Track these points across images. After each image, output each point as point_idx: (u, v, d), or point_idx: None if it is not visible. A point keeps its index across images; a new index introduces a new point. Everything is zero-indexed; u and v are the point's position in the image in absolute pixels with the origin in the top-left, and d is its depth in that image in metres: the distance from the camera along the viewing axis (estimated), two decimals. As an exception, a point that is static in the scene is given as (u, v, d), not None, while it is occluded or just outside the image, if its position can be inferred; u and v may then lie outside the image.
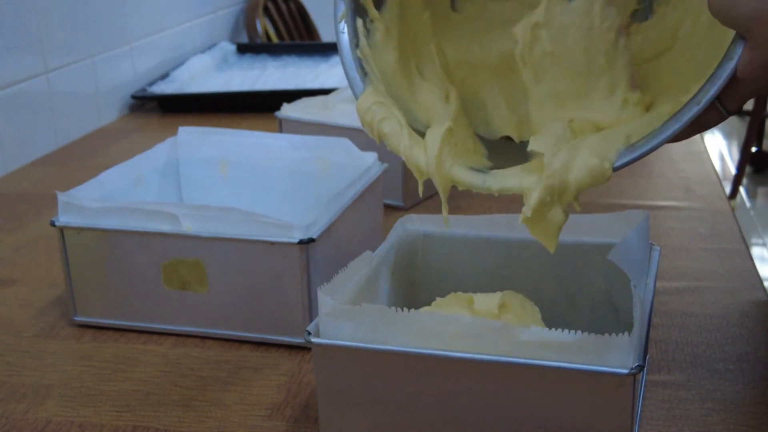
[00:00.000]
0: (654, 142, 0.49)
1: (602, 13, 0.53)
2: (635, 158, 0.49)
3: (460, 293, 0.61)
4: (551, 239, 0.53)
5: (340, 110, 1.03)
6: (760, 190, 3.40)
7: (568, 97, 0.53)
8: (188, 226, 0.69)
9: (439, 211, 0.94)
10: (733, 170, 3.28)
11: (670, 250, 0.85)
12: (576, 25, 0.53)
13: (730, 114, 0.51)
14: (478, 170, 0.55)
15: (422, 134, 0.57)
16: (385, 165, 0.83)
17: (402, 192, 0.98)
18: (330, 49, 1.86)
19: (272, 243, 0.67)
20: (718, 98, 0.49)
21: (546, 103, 0.54)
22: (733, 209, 0.96)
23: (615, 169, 0.49)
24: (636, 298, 0.52)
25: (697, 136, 0.85)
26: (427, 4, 0.60)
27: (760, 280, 0.79)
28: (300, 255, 0.67)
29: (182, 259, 0.70)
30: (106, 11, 1.48)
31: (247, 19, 2.16)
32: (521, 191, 0.54)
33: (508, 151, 0.58)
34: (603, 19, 0.53)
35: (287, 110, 1.07)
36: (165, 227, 0.70)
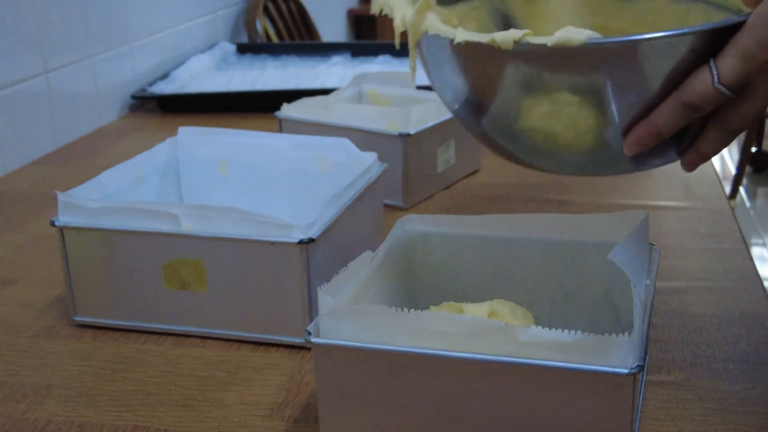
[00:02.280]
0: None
1: None
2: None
3: (452, 302, 0.62)
4: None
5: (340, 110, 1.03)
6: (760, 190, 3.40)
7: None
8: (188, 226, 0.69)
9: (439, 211, 0.95)
10: (733, 170, 3.28)
11: (670, 250, 0.85)
12: None
13: (722, 84, 0.49)
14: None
15: None
16: (385, 165, 0.83)
17: (402, 192, 0.98)
18: (330, 49, 1.86)
19: (272, 243, 0.67)
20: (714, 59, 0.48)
21: None
22: (733, 209, 0.96)
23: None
24: (636, 298, 0.52)
25: None
26: None
27: (760, 280, 0.79)
28: (300, 255, 0.67)
29: (182, 259, 0.70)
30: (106, 11, 1.48)
31: (247, 19, 2.16)
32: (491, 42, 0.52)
33: None
34: None
35: (287, 110, 1.07)
36: (165, 227, 0.70)
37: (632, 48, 0.50)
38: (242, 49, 1.89)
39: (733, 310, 0.73)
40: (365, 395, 0.54)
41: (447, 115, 1.02)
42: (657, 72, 0.50)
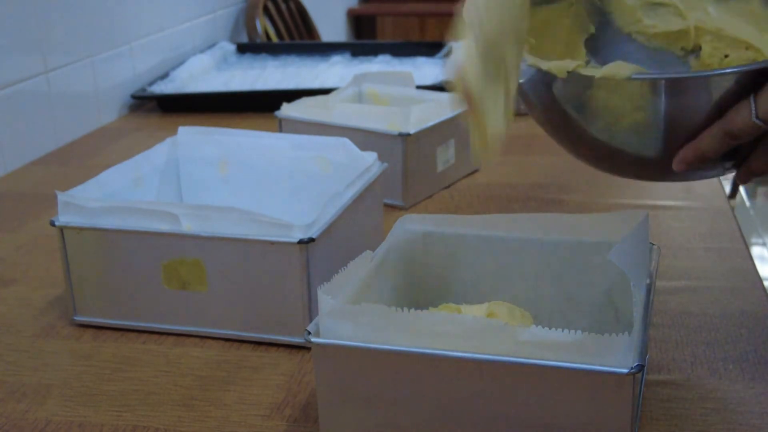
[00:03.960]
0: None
1: None
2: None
3: (451, 304, 0.62)
4: None
5: (340, 110, 1.03)
6: (760, 190, 3.40)
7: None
8: (188, 225, 0.69)
9: (439, 211, 0.94)
10: (733, 170, 3.28)
11: (670, 249, 0.85)
12: None
13: (760, 119, 0.54)
14: None
15: None
16: (385, 165, 0.83)
17: (402, 192, 0.98)
18: (330, 49, 1.86)
19: (272, 243, 0.67)
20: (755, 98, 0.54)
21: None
22: (732, 209, 0.96)
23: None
24: (636, 298, 0.52)
25: None
26: None
27: (760, 279, 0.79)
28: (300, 255, 0.67)
29: (182, 259, 0.70)
30: (105, 11, 1.48)
31: (247, 18, 2.16)
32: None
33: None
34: None
35: (287, 110, 1.07)
36: (165, 227, 0.70)
37: (676, 83, 0.57)
38: (242, 49, 1.89)
39: (733, 310, 0.73)
40: (365, 395, 0.54)
41: (447, 114, 1.02)
42: (700, 104, 0.56)
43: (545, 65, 0.60)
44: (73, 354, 0.71)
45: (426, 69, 1.69)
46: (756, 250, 2.88)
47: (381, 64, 1.75)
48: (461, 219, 0.66)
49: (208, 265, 0.69)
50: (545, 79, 0.60)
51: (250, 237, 0.68)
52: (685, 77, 0.59)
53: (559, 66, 0.59)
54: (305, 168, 0.86)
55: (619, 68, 0.56)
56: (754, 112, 0.55)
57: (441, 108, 1.02)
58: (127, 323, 0.73)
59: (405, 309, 0.52)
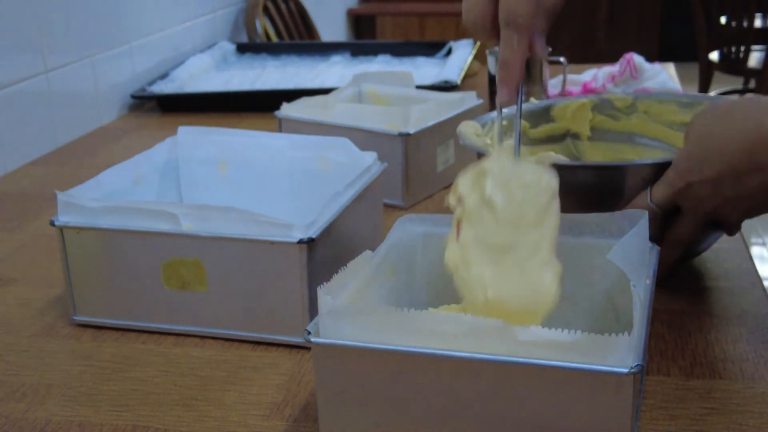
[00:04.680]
0: None
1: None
2: None
3: (453, 305, 0.61)
4: None
5: (340, 110, 1.03)
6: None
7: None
8: (188, 225, 0.69)
9: (439, 210, 0.94)
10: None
11: (670, 249, 0.85)
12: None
13: (653, 202, 0.69)
14: None
15: None
16: (385, 164, 0.83)
17: (402, 192, 0.98)
18: (330, 49, 1.86)
19: (272, 242, 0.67)
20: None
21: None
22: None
23: None
24: (636, 298, 0.52)
25: None
26: None
27: (760, 280, 0.79)
28: (300, 254, 0.67)
29: (182, 259, 0.70)
30: (105, 11, 1.48)
31: (246, 18, 2.16)
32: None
33: None
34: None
35: (287, 110, 1.07)
36: (165, 227, 0.70)
37: (588, 170, 0.74)
38: (242, 49, 1.89)
39: (733, 310, 0.73)
40: (365, 395, 0.54)
41: (447, 114, 1.02)
42: (614, 187, 0.72)
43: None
44: (73, 354, 0.71)
45: (426, 69, 1.69)
46: (756, 250, 2.88)
47: (381, 64, 1.75)
48: (461, 219, 0.66)
49: (208, 264, 0.69)
50: None
51: (250, 237, 0.68)
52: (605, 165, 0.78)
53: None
54: (305, 168, 0.86)
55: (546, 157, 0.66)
56: (649, 197, 0.69)
57: (441, 108, 1.02)
58: (127, 323, 0.73)
59: (405, 309, 0.52)
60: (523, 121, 0.89)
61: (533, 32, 0.60)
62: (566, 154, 0.93)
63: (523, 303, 0.53)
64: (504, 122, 0.83)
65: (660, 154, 0.91)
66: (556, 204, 0.56)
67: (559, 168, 0.59)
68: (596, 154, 0.93)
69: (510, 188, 0.56)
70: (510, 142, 0.59)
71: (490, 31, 0.61)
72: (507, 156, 0.58)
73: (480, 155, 0.80)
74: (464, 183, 0.58)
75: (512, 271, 0.52)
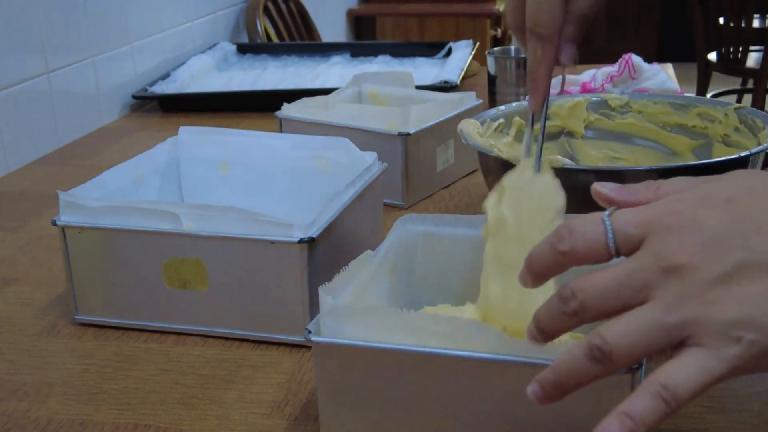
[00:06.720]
0: None
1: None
2: None
3: (450, 305, 0.62)
4: None
5: (340, 110, 1.03)
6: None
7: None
8: (189, 225, 0.69)
9: (439, 210, 0.94)
10: (732, 170, 3.28)
11: (669, 249, 0.85)
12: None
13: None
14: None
15: None
16: (385, 164, 0.83)
17: (402, 192, 0.98)
18: (330, 49, 1.87)
19: (272, 242, 0.67)
20: None
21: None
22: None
23: None
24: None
25: None
26: None
27: (758, 279, 0.79)
28: (300, 254, 0.67)
29: (183, 258, 0.70)
30: (106, 11, 1.48)
31: (247, 19, 2.16)
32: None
33: None
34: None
35: (287, 110, 1.07)
36: (166, 226, 0.70)
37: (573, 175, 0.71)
38: (242, 49, 1.89)
39: (732, 310, 0.73)
40: (365, 394, 0.54)
41: (447, 114, 1.02)
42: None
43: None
44: (75, 353, 0.71)
45: (426, 69, 1.69)
46: (755, 251, 2.87)
47: (381, 65, 1.75)
48: (461, 219, 0.66)
49: (209, 264, 0.70)
50: None
51: (251, 236, 0.68)
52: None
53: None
54: (305, 168, 0.86)
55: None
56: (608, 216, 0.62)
57: (441, 108, 1.02)
58: (128, 322, 0.74)
59: (405, 309, 0.52)
60: (519, 120, 0.90)
61: (560, 40, 0.58)
62: (561, 151, 0.94)
63: (519, 322, 0.53)
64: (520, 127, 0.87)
65: (654, 154, 0.92)
66: (559, 222, 0.56)
67: (567, 171, 0.59)
68: (590, 153, 0.94)
69: (520, 207, 0.56)
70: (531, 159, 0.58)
71: (523, 38, 0.59)
72: (526, 172, 0.57)
73: (481, 154, 0.80)
74: (491, 197, 0.58)
75: (515, 290, 0.52)
